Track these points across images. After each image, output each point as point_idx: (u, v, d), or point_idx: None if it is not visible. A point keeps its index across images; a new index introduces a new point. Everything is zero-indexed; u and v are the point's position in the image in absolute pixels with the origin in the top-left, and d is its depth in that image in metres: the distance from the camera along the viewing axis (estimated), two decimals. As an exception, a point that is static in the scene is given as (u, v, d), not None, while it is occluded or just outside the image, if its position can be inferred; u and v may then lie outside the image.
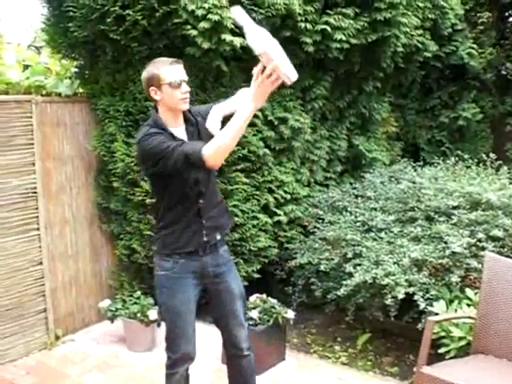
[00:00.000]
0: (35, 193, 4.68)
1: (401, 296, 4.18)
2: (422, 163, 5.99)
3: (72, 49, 5.08)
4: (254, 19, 2.78)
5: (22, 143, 4.57)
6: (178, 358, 3.19)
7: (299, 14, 4.66)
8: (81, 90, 5.24)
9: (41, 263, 4.75)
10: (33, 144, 4.64)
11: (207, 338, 4.80)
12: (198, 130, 3.12)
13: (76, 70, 5.30)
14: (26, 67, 5.24)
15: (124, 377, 4.36)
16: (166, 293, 3.19)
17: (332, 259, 4.78)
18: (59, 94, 5.02)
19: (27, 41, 7.50)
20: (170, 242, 3.21)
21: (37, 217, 4.70)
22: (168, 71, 2.96)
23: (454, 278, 4.20)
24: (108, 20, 4.49)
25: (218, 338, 4.45)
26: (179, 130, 3.07)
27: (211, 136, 2.98)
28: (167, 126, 3.02)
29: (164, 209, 3.16)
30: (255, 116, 4.90)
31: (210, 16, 4.28)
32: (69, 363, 4.56)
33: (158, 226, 3.22)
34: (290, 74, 2.73)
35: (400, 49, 5.57)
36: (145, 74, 3.03)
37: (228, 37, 4.36)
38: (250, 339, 3.38)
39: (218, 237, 3.21)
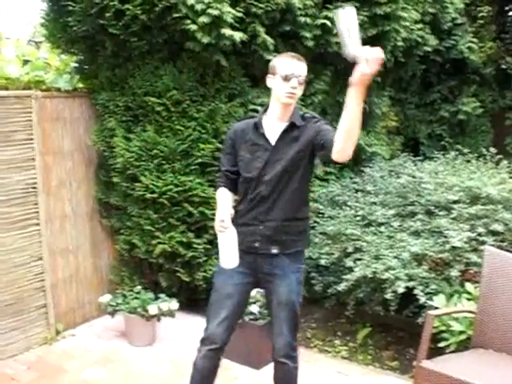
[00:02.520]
0: (35, 188, 4.67)
1: (401, 290, 4.19)
2: (421, 157, 6.00)
3: (71, 44, 5.07)
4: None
5: (21, 138, 4.56)
6: (204, 338, 3.19)
7: (299, 8, 4.66)
8: (80, 85, 5.23)
9: (41, 258, 4.75)
10: (33, 139, 4.63)
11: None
12: (294, 143, 3.08)
13: (75, 64, 5.29)
14: (25, 62, 5.23)
15: (125, 372, 4.37)
16: (217, 270, 3.26)
17: (332, 254, 4.78)
18: (59, 89, 5.00)
19: (26, 36, 7.49)
20: None
21: (37, 212, 4.70)
22: (284, 63, 3.02)
23: (454, 273, 4.20)
24: (107, 15, 4.48)
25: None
26: (277, 126, 3.10)
27: (297, 157, 3.04)
28: (269, 116, 3.13)
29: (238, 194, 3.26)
30: (255, 111, 4.89)
31: (209, 11, 4.27)
32: (69, 358, 4.57)
33: None
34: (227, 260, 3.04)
35: (400, 43, 5.57)
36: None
37: (228, 31, 4.36)
38: (291, 349, 3.21)
39: (275, 251, 3.11)
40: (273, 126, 3.11)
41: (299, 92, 3.06)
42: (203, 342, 3.20)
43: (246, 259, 3.11)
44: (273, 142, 3.09)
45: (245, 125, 3.21)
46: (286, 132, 3.08)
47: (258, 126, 3.13)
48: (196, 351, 3.24)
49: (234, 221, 3.16)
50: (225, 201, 3.22)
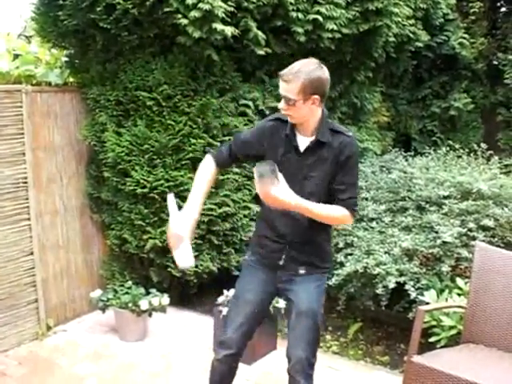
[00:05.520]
0: (26, 183, 4.64)
1: (392, 285, 4.20)
2: (413, 153, 6.02)
3: (62, 38, 5.04)
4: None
5: (12, 133, 4.53)
6: (221, 341, 3.09)
7: (291, 3, 4.65)
8: (71, 80, 5.20)
9: (32, 253, 4.72)
10: (23, 134, 4.60)
11: (199, 328, 4.84)
12: (324, 164, 2.88)
13: (66, 59, 5.26)
14: (15, 57, 5.20)
15: (115, 366, 4.36)
16: (240, 276, 3.17)
17: (323, 249, 4.78)
18: (49, 84, 4.98)
19: (17, 30, 7.44)
20: (253, 242, 3.19)
21: (27, 207, 4.68)
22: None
23: (445, 268, 4.22)
24: (98, 9, 4.45)
25: (210, 327, 4.48)
26: (303, 140, 2.90)
27: (320, 178, 2.88)
28: (296, 128, 2.93)
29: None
30: (246, 106, 4.90)
31: (200, 5, 4.25)
32: (60, 353, 4.55)
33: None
34: (182, 260, 2.84)
35: (392, 39, 5.58)
36: None
37: (219, 26, 4.34)
38: (308, 366, 2.95)
39: (302, 271, 2.98)
40: (301, 140, 2.92)
41: (294, 112, 2.84)
42: (220, 345, 3.10)
43: (267, 265, 3.04)
44: (302, 157, 2.91)
45: (277, 127, 2.98)
46: (311, 149, 2.89)
47: (290, 137, 2.92)
48: (213, 351, 3.20)
49: (257, 232, 3.11)
50: (199, 193, 3.05)
